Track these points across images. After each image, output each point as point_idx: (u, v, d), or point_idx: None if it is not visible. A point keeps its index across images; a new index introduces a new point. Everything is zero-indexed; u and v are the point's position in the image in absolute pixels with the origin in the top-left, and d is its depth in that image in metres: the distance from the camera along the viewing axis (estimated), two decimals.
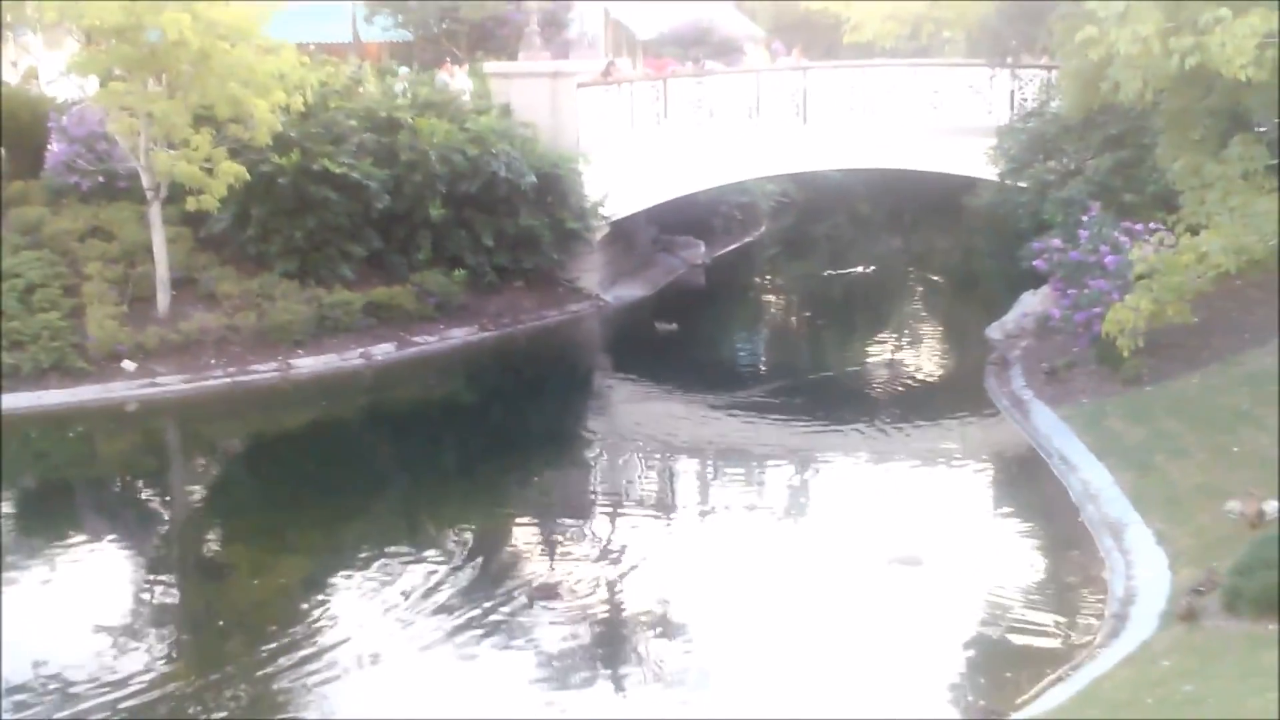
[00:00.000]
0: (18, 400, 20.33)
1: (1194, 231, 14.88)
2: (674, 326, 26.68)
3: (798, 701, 11.37)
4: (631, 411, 22.34)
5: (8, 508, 17.25)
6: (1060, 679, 11.45)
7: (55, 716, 11.30)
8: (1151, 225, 18.92)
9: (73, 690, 11.78)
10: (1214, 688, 9.71)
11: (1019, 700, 11.16)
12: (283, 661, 12.29)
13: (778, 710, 11.31)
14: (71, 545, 15.88)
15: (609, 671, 12.08)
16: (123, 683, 11.87)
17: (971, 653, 12.37)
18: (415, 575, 14.20)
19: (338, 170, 23.74)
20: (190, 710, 11.47)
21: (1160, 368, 18.47)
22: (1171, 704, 9.59)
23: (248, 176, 22.44)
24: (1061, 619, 13.05)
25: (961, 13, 30.10)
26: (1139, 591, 12.79)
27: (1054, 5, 18.83)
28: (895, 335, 27.50)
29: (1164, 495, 14.73)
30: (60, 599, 14.11)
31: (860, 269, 34.82)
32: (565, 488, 18.38)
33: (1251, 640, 10.56)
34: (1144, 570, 13.19)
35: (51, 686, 11.86)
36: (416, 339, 24.29)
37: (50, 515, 17.19)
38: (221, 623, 13.50)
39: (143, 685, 11.84)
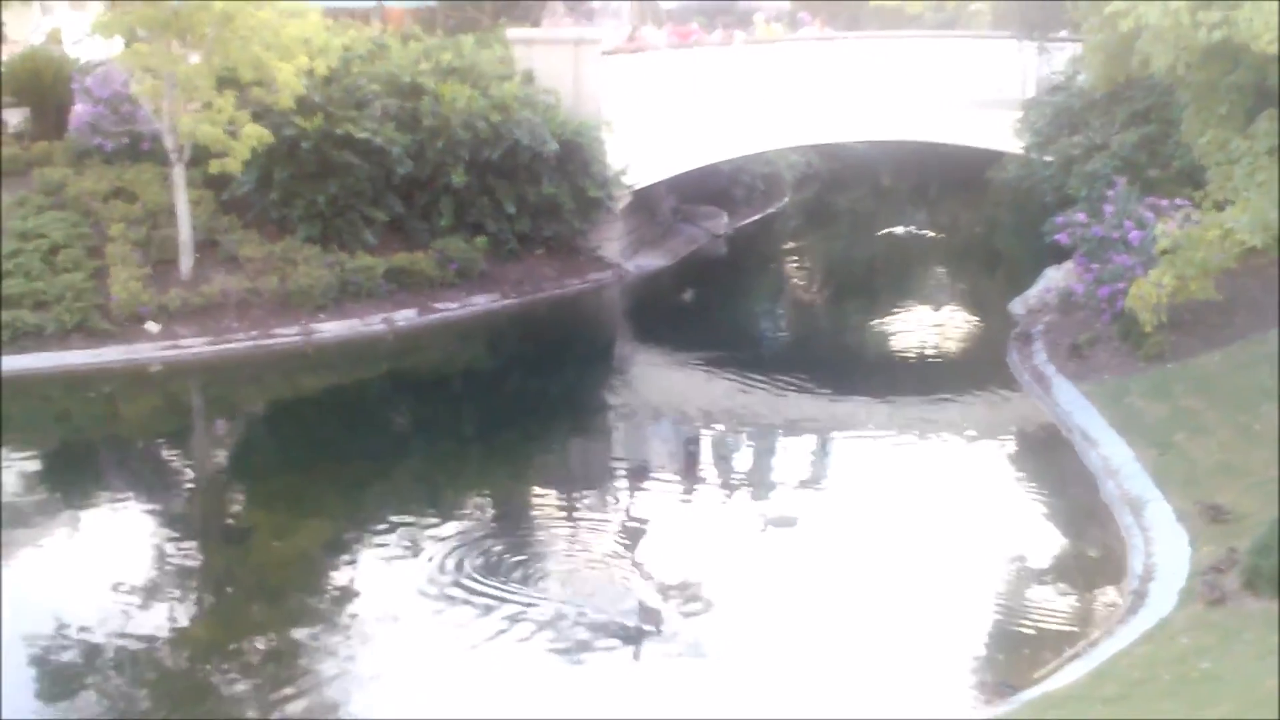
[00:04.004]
0: (41, 360, 20.42)
1: (1219, 207, 14.79)
2: (689, 295, 26.89)
3: (832, 679, 11.39)
4: (652, 382, 22.38)
5: (32, 467, 17.38)
6: (1078, 655, 11.45)
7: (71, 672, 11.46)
8: (1177, 201, 18.87)
9: (91, 646, 11.89)
10: (1231, 665, 9.70)
11: (1036, 675, 11.16)
12: (301, 624, 12.40)
13: (812, 683, 11.33)
14: (94, 505, 15.99)
15: (640, 659, 11.85)
16: (141, 641, 11.99)
17: (989, 627, 12.37)
18: (435, 542, 14.23)
19: (360, 135, 23.74)
20: (207, 671, 11.57)
21: (1183, 344, 18.38)
22: (1189, 681, 9.59)
23: (271, 140, 22.46)
24: (1080, 595, 13.06)
25: None
26: (1158, 568, 12.76)
27: None
28: (917, 309, 27.42)
29: (1185, 473, 14.68)
30: (82, 558, 14.21)
31: (913, 228, 36.40)
32: (584, 456, 18.42)
33: (1270, 619, 10.52)
34: (1164, 547, 13.15)
35: (72, 644, 11.96)
36: (438, 305, 24.30)
37: (73, 475, 17.28)
38: (241, 585, 13.57)
39: (161, 645, 11.98)
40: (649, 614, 12.23)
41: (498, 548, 13.97)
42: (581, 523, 15.17)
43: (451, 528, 14.65)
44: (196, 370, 21.33)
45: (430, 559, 13.63)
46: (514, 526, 15.08)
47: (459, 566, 13.38)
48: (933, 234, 37.90)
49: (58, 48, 30.11)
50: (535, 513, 15.88)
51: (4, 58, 28.36)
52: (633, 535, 14.54)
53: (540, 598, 12.74)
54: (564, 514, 15.58)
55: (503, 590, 12.85)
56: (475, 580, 13.07)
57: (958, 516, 14.93)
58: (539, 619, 12.33)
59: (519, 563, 13.56)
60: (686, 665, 11.67)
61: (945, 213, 41.43)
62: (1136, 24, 13.39)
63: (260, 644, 12.12)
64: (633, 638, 11.96)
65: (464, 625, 12.30)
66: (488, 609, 12.52)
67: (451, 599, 12.76)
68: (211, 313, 22.27)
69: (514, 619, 12.31)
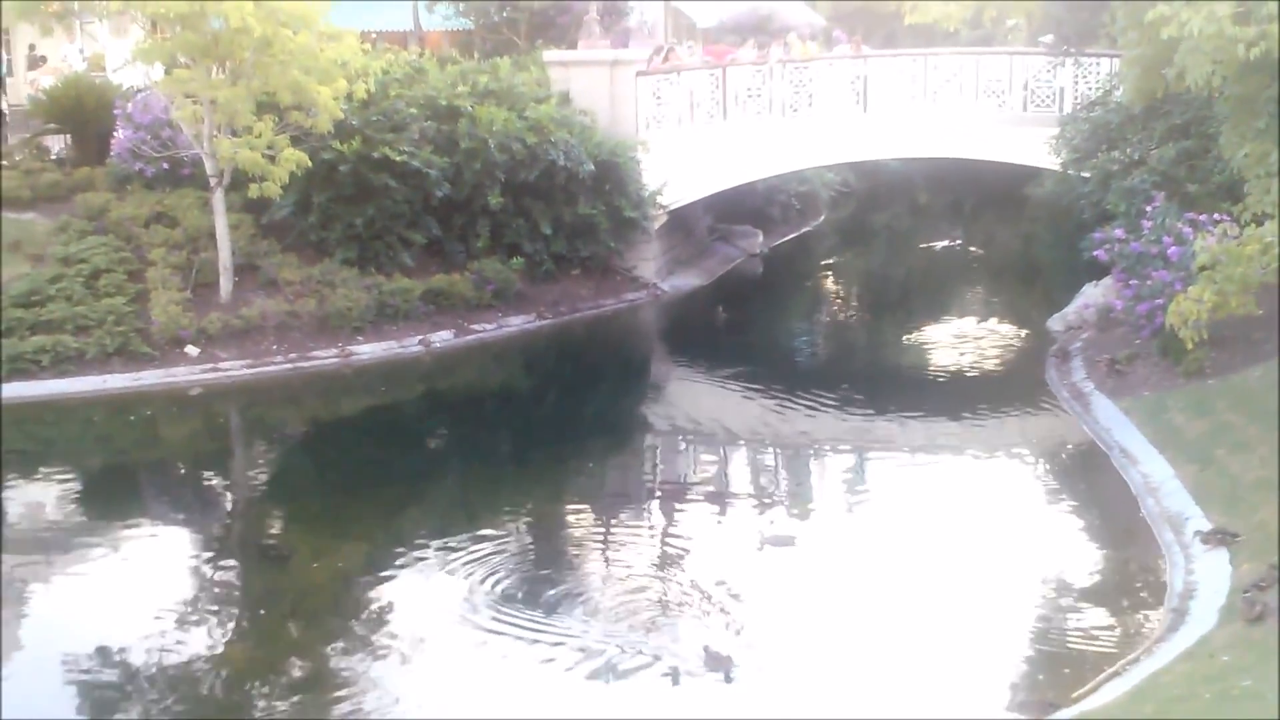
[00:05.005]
0: (83, 384, 20.61)
1: (1259, 221, 14.68)
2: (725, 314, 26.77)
3: (873, 696, 11.33)
4: (688, 402, 22.36)
5: (74, 490, 17.55)
6: (1117, 673, 11.36)
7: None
8: (1216, 216, 18.73)
9: (132, 669, 11.97)
10: (1273, 683, 9.58)
11: (1075, 694, 11.08)
12: (339, 646, 12.44)
13: (855, 700, 11.29)
14: (134, 528, 16.10)
15: (666, 677, 11.71)
16: (181, 664, 12.06)
17: (1028, 645, 12.29)
18: (473, 563, 14.17)
19: (398, 158, 23.88)
20: (248, 692, 11.63)
21: (1223, 360, 18.26)
22: (1229, 699, 9.50)
23: (309, 164, 22.60)
24: (1120, 613, 12.95)
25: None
26: (1198, 586, 12.66)
27: None
28: (954, 326, 27.33)
29: (1225, 489, 14.56)
30: (122, 580, 14.31)
31: (950, 244, 37.23)
32: (622, 477, 18.43)
33: None
34: (1204, 565, 13.05)
35: (112, 667, 12.05)
36: (475, 326, 24.40)
37: (114, 497, 17.43)
38: (281, 606, 13.61)
39: (202, 666, 12.04)
40: (717, 660, 11.61)
41: (539, 575, 13.84)
42: (623, 548, 15.10)
43: (493, 553, 14.42)
44: (235, 393, 21.47)
45: (472, 588, 13.44)
46: (554, 552, 14.93)
47: (502, 596, 13.21)
48: (970, 250, 37.82)
49: (100, 74, 30.50)
50: (576, 537, 15.82)
51: (46, 84, 28.74)
52: (678, 562, 14.39)
53: (586, 630, 12.50)
54: (604, 538, 15.54)
55: (544, 623, 12.64)
56: (517, 611, 12.87)
57: (997, 534, 14.86)
58: (590, 655, 12.05)
59: (564, 593, 13.32)
60: (749, 700, 11.40)
61: (982, 229, 41.34)
62: (1180, 31, 13.25)
63: (296, 666, 12.18)
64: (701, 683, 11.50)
65: (507, 658, 12.15)
66: (531, 642, 12.29)
67: (493, 630, 12.55)
68: (251, 335, 22.43)
69: (563, 654, 12.07)
